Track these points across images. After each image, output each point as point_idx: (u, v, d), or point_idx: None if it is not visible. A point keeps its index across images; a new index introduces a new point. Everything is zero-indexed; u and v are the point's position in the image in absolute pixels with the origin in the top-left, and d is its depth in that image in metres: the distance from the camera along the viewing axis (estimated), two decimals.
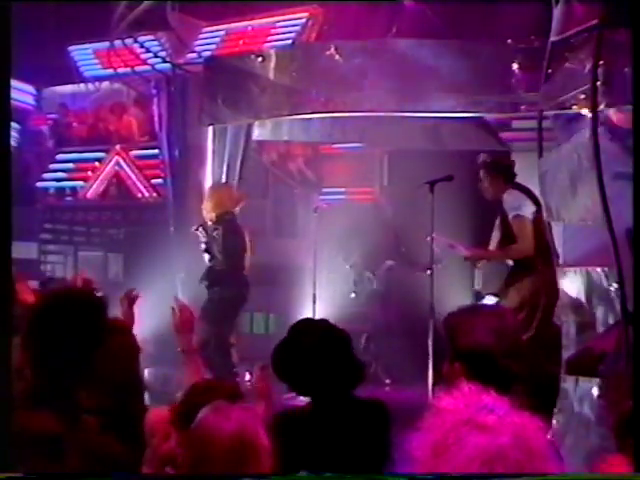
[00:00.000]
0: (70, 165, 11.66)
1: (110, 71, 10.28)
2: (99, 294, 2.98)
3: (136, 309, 4.04)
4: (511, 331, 2.36)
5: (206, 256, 6.75)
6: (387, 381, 7.49)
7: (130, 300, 4.06)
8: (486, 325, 2.34)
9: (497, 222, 5.72)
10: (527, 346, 5.29)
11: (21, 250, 9.24)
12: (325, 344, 2.83)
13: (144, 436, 2.88)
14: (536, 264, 5.42)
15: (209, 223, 6.74)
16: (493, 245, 5.71)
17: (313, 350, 2.81)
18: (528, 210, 5.48)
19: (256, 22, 10.73)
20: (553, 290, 5.39)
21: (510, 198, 5.57)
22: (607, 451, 3.75)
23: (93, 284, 4.29)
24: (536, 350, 5.44)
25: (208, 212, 6.72)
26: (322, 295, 7.21)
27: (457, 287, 7.81)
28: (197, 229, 6.79)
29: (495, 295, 5.67)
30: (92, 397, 2.92)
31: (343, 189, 10.30)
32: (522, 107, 6.10)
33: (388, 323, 7.66)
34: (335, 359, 2.80)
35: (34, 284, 9.36)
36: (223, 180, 7.70)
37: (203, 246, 6.71)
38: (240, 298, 6.74)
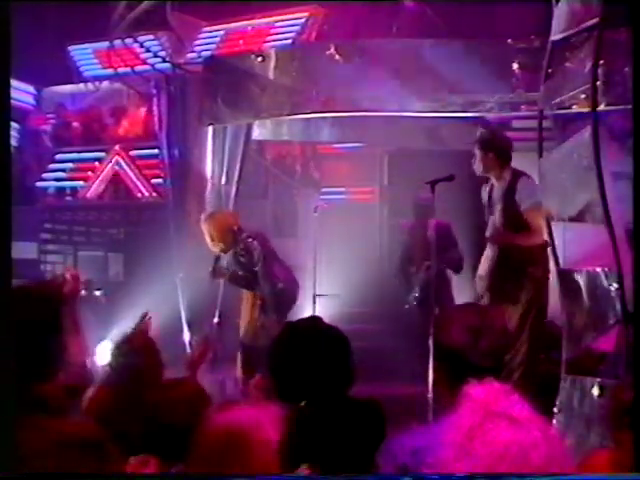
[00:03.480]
0: (70, 165, 11.66)
1: (110, 71, 10.28)
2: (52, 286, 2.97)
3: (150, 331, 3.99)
4: (491, 330, 2.34)
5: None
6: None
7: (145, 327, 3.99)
8: (463, 323, 2.32)
9: (499, 207, 5.55)
10: (523, 345, 5.33)
11: (21, 250, 9.24)
12: (313, 346, 2.78)
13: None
14: (538, 258, 5.37)
15: (220, 252, 6.61)
16: (493, 230, 5.58)
17: (301, 352, 2.77)
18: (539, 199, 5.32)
19: (256, 22, 10.76)
20: (546, 288, 5.40)
21: (527, 185, 5.38)
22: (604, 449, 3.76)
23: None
24: (534, 349, 5.46)
25: (216, 244, 6.58)
26: (323, 295, 7.20)
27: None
28: (214, 272, 6.68)
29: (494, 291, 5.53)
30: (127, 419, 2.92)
31: (343, 189, 10.30)
32: (522, 107, 6.10)
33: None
34: (325, 362, 2.75)
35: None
36: (224, 180, 7.70)
37: (227, 276, 6.63)
38: (291, 296, 6.66)
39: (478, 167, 5.60)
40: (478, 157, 5.58)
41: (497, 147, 5.57)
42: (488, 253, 5.57)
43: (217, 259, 6.67)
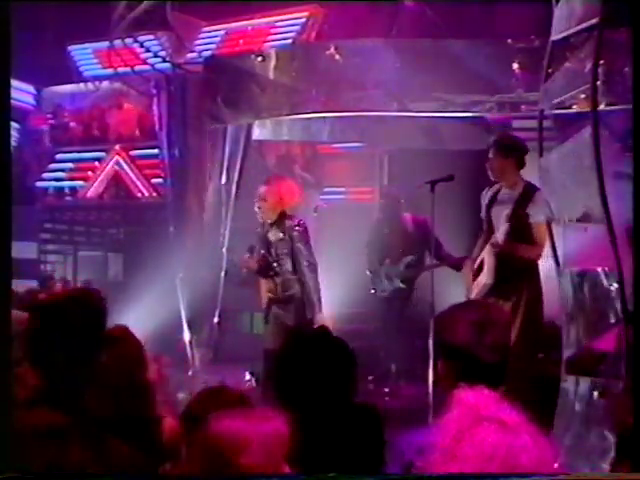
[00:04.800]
0: (70, 165, 11.67)
1: (110, 71, 10.28)
2: (99, 296, 2.98)
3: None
4: (495, 325, 2.33)
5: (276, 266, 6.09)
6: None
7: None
8: (467, 320, 2.31)
9: (507, 213, 5.47)
10: (526, 346, 5.33)
11: (21, 250, 9.23)
12: (321, 358, 2.80)
13: (159, 440, 2.89)
14: (530, 271, 5.40)
15: (269, 222, 6.09)
16: (501, 236, 5.53)
17: (309, 361, 2.78)
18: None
19: (256, 22, 10.75)
20: (540, 297, 5.40)
21: (542, 200, 5.28)
22: (607, 451, 3.76)
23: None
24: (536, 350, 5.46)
25: (266, 211, 6.06)
26: (322, 295, 7.19)
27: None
28: (256, 250, 6.13)
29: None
30: (99, 402, 2.93)
31: (343, 189, 10.30)
32: (522, 107, 6.10)
33: (410, 320, 7.50)
34: (331, 372, 2.77)
35: (34, 284, 9.38)
36: (224, 180, 7.70)
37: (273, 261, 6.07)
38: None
39: (494, 171, 5.47)
40: (496, 161, 5.43)
41: (517, 153, 5.44)
42: (488, 261, 5.54)
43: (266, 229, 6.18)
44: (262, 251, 6.14)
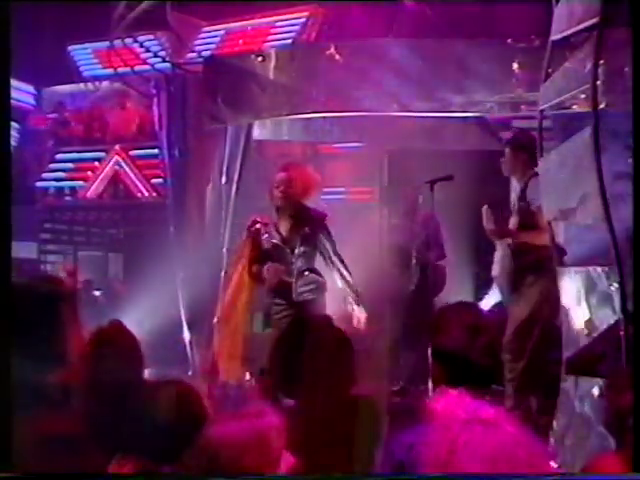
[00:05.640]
0: (70, 165, 11.68)
1: (110, 71, 10.30)
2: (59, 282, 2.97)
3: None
4: (486, 328, 2.34)
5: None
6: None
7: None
8: (459, 322, 2.32)
9: (516, 207, 5.55)
10: (530, 347, 5.31)
11: (21, 250, 9.23)
12: (318, 345, 2.80)
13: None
14: (545, 262, 5.37)
15: (285, 215, 5.47)
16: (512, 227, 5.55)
17: (306, 349, 2.78)
18: None
19: (256, 22, 10.77)
20: (557, 291, 5.38)
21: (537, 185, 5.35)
22: (607, 451, 3.76)
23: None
24: (539, 351, 5.44)
25: (298, 199, 5.44)
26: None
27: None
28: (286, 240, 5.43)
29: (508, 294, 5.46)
30: (96, 400, 2.92)
31: (343, 189, 10.30)
32: (522, 107, 6.10)
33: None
34: (329, 361, 2.77)
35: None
36: (224, 180, 7.69)
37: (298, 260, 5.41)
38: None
39: (506, 168, 5.65)
40: (509, 158, 5.61)
41: (530, 149, 5.52)
42: (499, 253, 5.56)
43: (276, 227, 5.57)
44: (274, 240, 5.51)
